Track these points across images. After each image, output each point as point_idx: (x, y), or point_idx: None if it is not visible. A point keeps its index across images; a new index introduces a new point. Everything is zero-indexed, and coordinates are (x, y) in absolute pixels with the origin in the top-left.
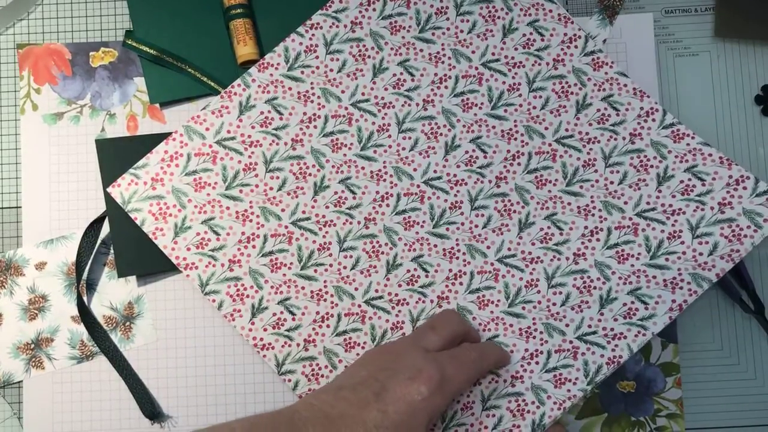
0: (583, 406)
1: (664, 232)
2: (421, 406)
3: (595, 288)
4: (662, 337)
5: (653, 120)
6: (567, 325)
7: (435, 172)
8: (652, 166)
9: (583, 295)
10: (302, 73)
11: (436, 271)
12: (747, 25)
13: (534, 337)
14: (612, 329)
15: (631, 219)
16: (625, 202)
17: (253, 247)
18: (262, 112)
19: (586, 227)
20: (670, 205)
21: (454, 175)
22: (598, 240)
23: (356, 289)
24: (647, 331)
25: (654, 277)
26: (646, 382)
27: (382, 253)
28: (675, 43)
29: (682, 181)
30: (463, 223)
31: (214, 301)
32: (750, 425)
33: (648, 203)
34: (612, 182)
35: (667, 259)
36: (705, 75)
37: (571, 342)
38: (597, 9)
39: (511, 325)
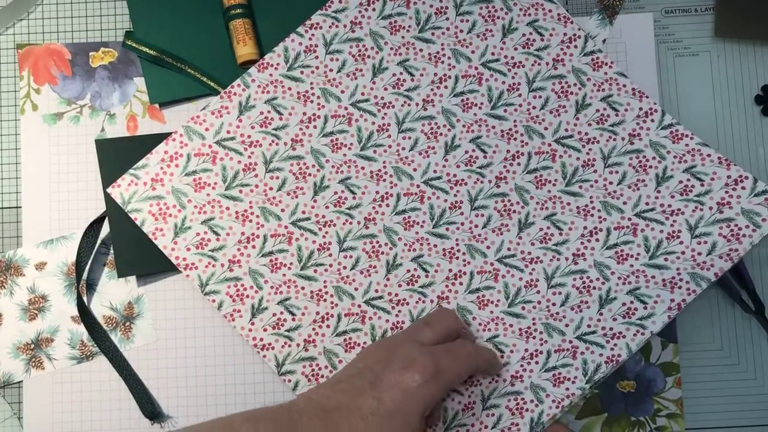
0: (583, 406)
1: (663, 233)
2: (416, 393)
3: (594, 288)
4: (662, 336)
5: (652, 120)
6: (567, 325)
7: (435, 172)
8: (651, 167)
9: (583, 295)
10: (302, 73)
11: (436, 271)
12: (747, 25)
13: (534, 337)
14: (611, 329)
15: (630, 219)
16: (624, 203)
17: (253, 247)
18: (261, 113)
19: (585, 227)
20: (669, 206)
21: (454, 175)
22: (597, 240)
23: (356, 289)
24: (646, 330)
25: (653, 276)
26: (646, 382)
27: (382, 253)
28: (675, 43)
29: (680, 182)
30: (462, 223)
31: (213, 301)
32: (750, 425)
33: (647, 203)
34: (611, 182)
35: (666, 259)
36: (705, 75)
37: (570, 342)
38: (597, 9)
39: (510, 325)
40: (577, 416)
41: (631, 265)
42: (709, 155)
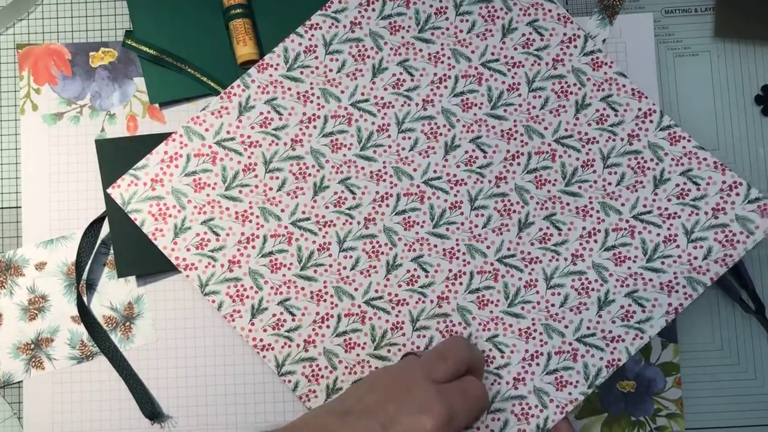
0: (583, 406)
1: (659, 236)
2: None
3: (593, 290)
4: (662, 336)
5: (651, 121)
6: (566, 327)
7: (435, 172)
8: (649, 169)
9: (582, 297)
10: (302, 73)
11: (436, 271)
12: (747, 25)
13: (533, 338)
14: (610, 332)
15: (628, 221)
16: (623, 204)
17: (253, 247)
18: (261, 113)
19: (584, 228)
20: (666, 209)
21: (454, 175)
22: (596, 241)
23: (356, 289)
24: (644, 334)
25: (650, 280)
26: (646, 381)
27: (382, 253)
28: (675, 43)
29: (677, 185)
30: (462, 223)
31: (213, 301)
32: (750, 425)
33: (644, 206)
34: (610, 183)
35: (662, 263)
36: (705, 75)
37: (570, 344)
38: (597, 9)
39: (510, 325)
40: (577, 416)
41: (629, 268)
42: (705, 159)
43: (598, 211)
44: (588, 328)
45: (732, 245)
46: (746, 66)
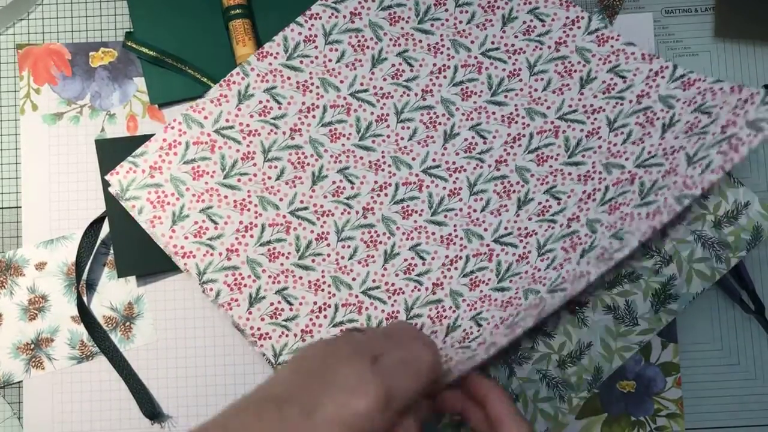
0: (583, 406)
1: (660, 173)
2: (359, 429)
3: (580, 244)
4: (662, 336)
5: (662, 77)
6: (543, 285)
7: (434, 160)
8: (658, 119)
9: (568, 254)
10: (301, 62)
11: (432, 258)
12: (747, 25)
13: (511, 305)
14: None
15: (630, 172)
16: (627, 159)
17: (251, 236)
18: (260, 102)
19: (584, 191)
20: (672, 146)
21: (453, 163)
22: (594, 200)
23: (354, 279)
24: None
25: (638, 214)
26: (646, 381)
27: (380, 242)
28: (675, 43)
29: (687, 122)
30: (461, 209)
31: (211, 290)
32: (750, 425)
33: (649, 152)
34: (615, 144)
35: (656, 195)
36: (705, 75)
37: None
38: (597, 9)
39: (495, 299)
40: (577, 416)
41: (622, 211)
42: (721, 89)
43: (600, 173)
44: (564, 278)
45: (736, 150)
46: (746, 66)
